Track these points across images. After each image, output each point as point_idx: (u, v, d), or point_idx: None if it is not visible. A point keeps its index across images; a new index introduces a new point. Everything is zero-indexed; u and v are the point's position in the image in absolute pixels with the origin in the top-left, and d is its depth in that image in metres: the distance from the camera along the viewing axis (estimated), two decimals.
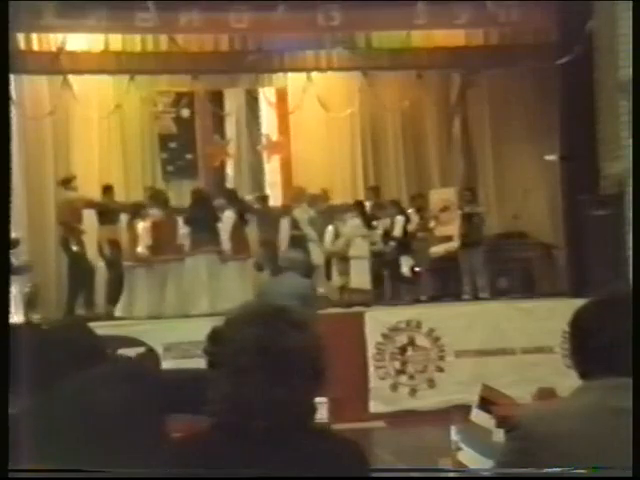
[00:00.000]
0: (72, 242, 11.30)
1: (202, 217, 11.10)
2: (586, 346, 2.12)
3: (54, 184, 12.58)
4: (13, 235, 9.43)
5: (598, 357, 2.09)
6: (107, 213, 11.55)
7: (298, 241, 11.68)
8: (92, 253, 11.60)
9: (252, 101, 13.93)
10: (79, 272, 11.32)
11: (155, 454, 2.05)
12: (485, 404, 6.94)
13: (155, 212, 11.28)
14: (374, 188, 13.01)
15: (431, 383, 10.44)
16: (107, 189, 11.89)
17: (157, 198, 11.59)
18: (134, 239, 11.28)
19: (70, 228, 11.36)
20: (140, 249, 11.20)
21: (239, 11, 11.57)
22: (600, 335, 2.08)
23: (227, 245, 11.20)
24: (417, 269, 12.31)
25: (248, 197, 12.57)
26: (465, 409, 7.79)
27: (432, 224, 12.62)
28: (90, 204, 11.62)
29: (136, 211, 11.50)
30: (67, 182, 11.66)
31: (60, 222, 11.63)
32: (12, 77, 10.24)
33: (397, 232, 11.96)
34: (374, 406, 10.19)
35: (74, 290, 11.31)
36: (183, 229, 11.23)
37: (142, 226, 11.26)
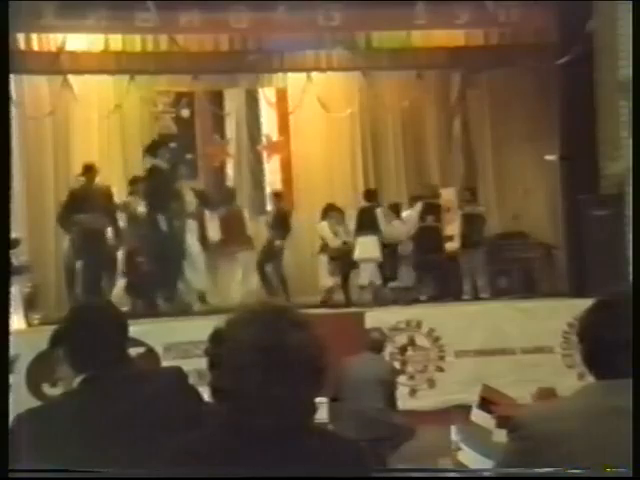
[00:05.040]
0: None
1: None
2: (594, 346, 2.13)
3: (54, 184, 12.58)
4: (13, 235, 9.42)
5: (605, 357, 2.09)
6: (85, 199, 11.00)
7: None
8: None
9: (252, 101, 13.92)
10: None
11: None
12: (485, 404, 6.95)
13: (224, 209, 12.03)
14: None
15: (431, 383, 10.44)
16: (88, 169, 11.26)
17: (227, 194, 12.33)
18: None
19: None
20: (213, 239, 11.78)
21: (239, 11, 11.56)
22: (607, 336, 2.08)
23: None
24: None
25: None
26: (465, 409, 7.82)
27: None
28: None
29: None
30: (86, 171, 11.31)
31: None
32: (12, 77, 10.23)
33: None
34: None
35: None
36: None
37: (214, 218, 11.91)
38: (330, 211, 12.09)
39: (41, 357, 8.66)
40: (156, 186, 10.97)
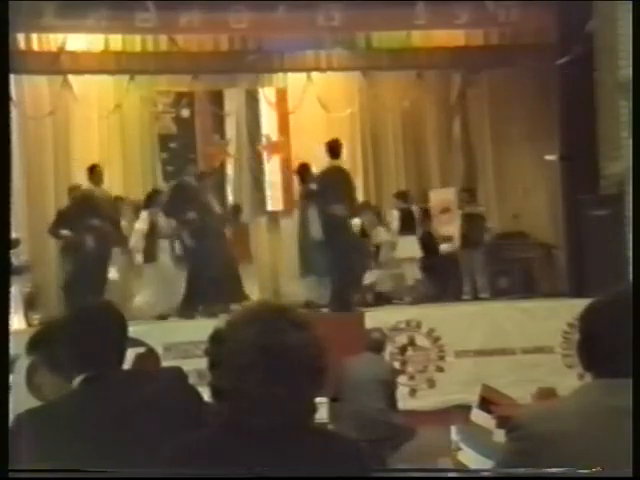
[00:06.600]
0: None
1: None
2: (593, 345, 2.13)
3: (54, 184, 12.58)
4: (13, 235, 9.42)
5: (605, 357, 2.09)
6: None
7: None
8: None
9: (252, 101, 13.91)
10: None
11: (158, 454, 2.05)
12: (485, 404, 6.94)
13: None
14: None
15: (431, 383, 10.44)
16: (92, 169, 11.37)
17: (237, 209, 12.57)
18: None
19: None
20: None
21: (239, 11, 11.56)
22: (607, 335, 2.08)
23: None
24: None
25: None
26: (465, 409, 7.81)
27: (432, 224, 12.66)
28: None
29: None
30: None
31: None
32: (12, 77, 10.22)
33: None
34: None
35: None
36: None
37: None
38: (365, 209, 12.23)
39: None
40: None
